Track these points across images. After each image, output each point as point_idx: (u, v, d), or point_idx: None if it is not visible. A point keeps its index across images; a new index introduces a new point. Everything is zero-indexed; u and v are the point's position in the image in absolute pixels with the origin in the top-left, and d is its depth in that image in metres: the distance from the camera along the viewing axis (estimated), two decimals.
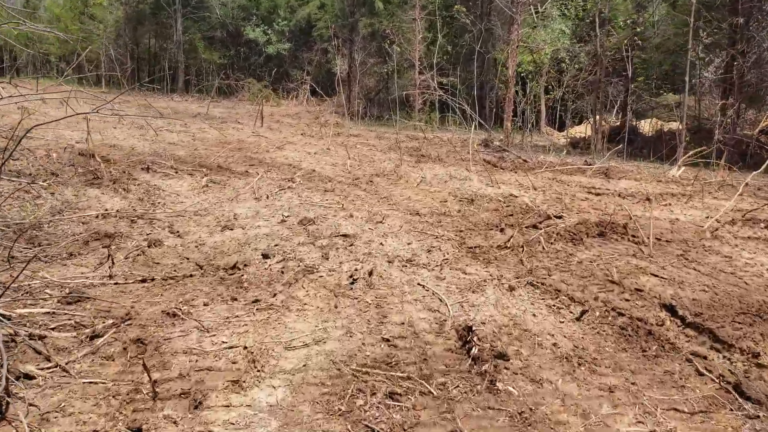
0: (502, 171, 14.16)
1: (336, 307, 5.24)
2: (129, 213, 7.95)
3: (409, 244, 7.44)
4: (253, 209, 8.67)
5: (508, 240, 7.75)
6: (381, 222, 8.44)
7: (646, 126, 21.79)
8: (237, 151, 14.37)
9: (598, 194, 11.58)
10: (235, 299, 5.31)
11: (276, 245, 6.97)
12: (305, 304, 5.28)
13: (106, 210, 8.06)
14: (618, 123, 20.39)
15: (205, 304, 5.18)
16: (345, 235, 7.50)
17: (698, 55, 16.33)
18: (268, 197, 9.46)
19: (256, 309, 5.11)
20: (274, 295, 5.43)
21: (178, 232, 7.32)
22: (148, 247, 6.65)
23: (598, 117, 18.23)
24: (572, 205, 10.42)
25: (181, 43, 34.57)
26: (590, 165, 15.39)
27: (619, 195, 11.46)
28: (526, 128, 18.99)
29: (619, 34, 16.95)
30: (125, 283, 5.60)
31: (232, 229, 7.58)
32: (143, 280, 5.68)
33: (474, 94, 24.32)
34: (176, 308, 4.99)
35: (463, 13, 23.92)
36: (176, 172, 10.74)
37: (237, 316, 4.97)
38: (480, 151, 17.92)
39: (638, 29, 16.54)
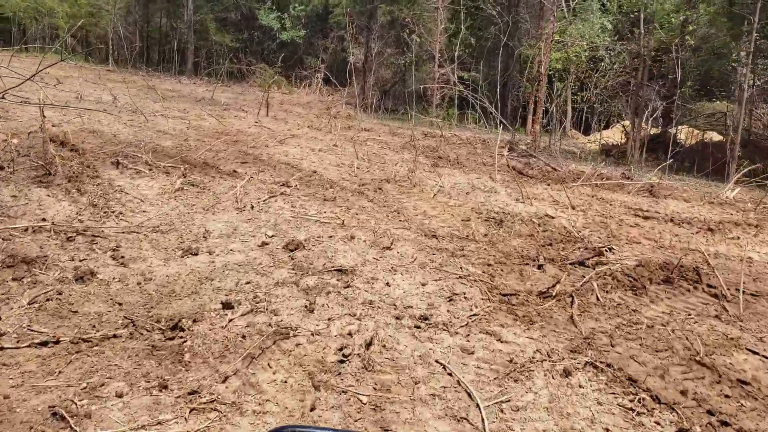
0: (530, 181, 12.30)
1: (312, 408, 3.45)
2: (68, 227, 6.16)
3: (423, 285, 5.63)
4: (231, 224, 6.87)
5: (553, 286, 5.91)
6: (389, 248, 6.63)
7: (682, 135, 19.81)
8: (232, 143, 12.57)
9: (646, 217, 9.70)
10: (165, 386, 3.52)
11: (247, 283, 5.17)
12: (267, 400, 3.48)
13: (43, 220, 6.28)
14: (656, 130, 18.42)
15: (118, 395, 3.39)
16: (341, 270, 5.69)
17: (751, 59, 14.37)
18: (253, 207, 7.65)
19: (191, 409, 3.32)
20: (225, 379, 3.64)
21: (123, 257, 5.53)
22: (75, 281, 4.87)
23: (636, 123, 16.30)
24: (620, 233, 8.56)
25: (192, 22, 32.71)
26: (629, 178, 13.50)
27: (672, 220, 9.58)
28: (554, 131, 17.09)
29: (666, 32, 15.01)
30: (15, 348, 3.83)
31: (196, 254, 5.79)
32: (43, 343, 3.90)
33: (497, 91, 22.40)
34: (71, 403, 3.21)
35: (490, 4, 21.97)
36: (150, 170, 8.95)
37: (159, 423, 3.18)
38: (503, 155, 16.04)
39: (691, 27, 14.59)
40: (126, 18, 34.51)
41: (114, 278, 5.07)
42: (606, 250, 7.59)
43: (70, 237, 5.87)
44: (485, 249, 7.12)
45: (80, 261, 5.35)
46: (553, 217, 8.92)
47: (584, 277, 6.47)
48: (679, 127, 17.45)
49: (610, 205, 10.30)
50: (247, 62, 32.59)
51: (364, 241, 6.79)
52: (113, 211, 6.89)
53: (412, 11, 23.70)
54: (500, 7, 22.75)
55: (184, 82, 29.92)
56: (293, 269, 5.63)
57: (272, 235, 6.56)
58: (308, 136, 15.14)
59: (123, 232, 6.21)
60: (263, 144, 12.70)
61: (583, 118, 26.65)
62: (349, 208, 8.30)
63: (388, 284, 5.53)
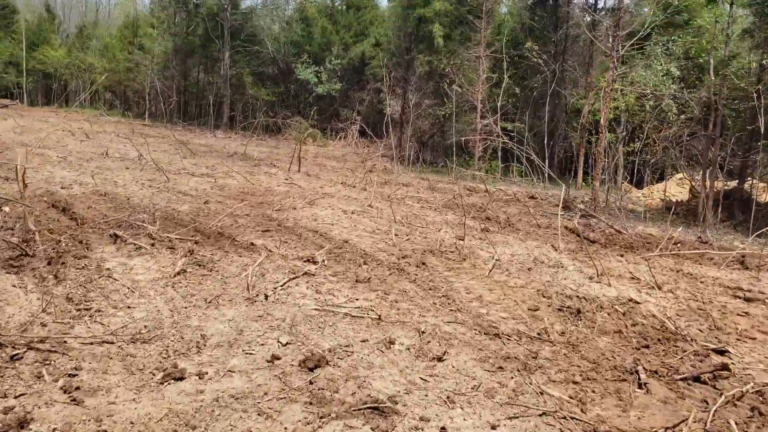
0: (594, 246, 10.52)
1: None
2: (19, 336, 4.65)
3: (494, 429, 3.94)
4: (236, 324, 5.29)
5: (676, 426, 4.15)
6: (440, 358, 4.96)
7: (761, 191, 17.78)
8: (256, 206, 11.14)
9: (749, 299, 7.83)
10: None
11: None
12: None
13: None
14: (728, 186, 16.46)
15: None
16: (377, 407, 4.04)
17: None
18: (267, 297, 6.08)
19: None
20: None
21: (79, 388, 3.98)
22: None
23: (706, 177, 14.44)
24: (725, 323, 6.73)
25: (228, 77, 32.12)
26: (706, 243, 11.61)
27: None
28: (613, 187, 15.32)
29: (741, 79, 13.30)
30: None
31: (180, 379, 4.20)
32: None
33: (545, 142, 20.79)
34: None
35: (535, 52, 20.56)
36: (152, 245, 7.50)
37: None
38: (556, 213, 14.31)
39: None
40: (163, 72, 34.17)
41: (55, 429, 3.50)
42: (719, 352, 5.79)
43: (17, 354, 4.35)
44: (565, 355, 5.39)
45: (15, 398, 3.81)
46: (638, 303, 7.13)
47: (706, 402, 4.70)
48: (757, 182, 15.52)
49: (701, 282, 8.45)
50: (282, 116, 31.75)
51: (407, 348, 5.13)
52: (90, 308, 5.37)
53: (451, 61, 22.45)
54: (546, 55, 21.33)
55: (219, 137, 29.09)
56: (311, 404, 4.00)
57: (287, 343, 4.96)
58: (341, 194, 13.67)
59: (92, 343, 4.67)
60: (290, 206, 11.24)
61: (635, 170, 24.77)
62: (387, 292, 6.67)
63: (444, 430, 3.84)
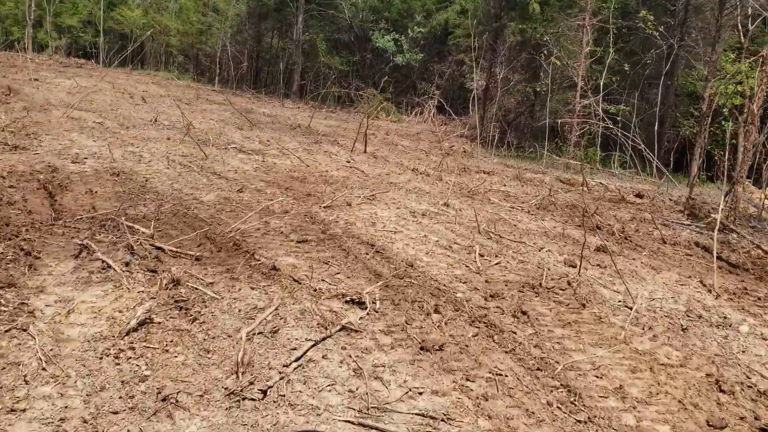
0: (742, 276, 7.47)
1: None
2: None
3: None
4: None
5: None
6: None
7: None
8: (302, 199, 8.62)
9: None
10: None
11: None
12: None
13: None
14: None
15: None
16: None
17: None
18: (266, 393, 3.53)
19: None
20: None
21: None
22: None
23: None
24: None
25: (300, 42, 29.69)
26: None
27: None
28: (736, 187, 11.97)
29: None
30: None
31: None
32: None
33: (655, 130, 17.37)
34: None
35: (650, 24, 17.05)
36: (127, 264, 5.08)
37: None
38: (680, 222, 11.16)
39: None
40: (236, 36, 32.13)
41: None
42: None
43: None
44: None
45: None
46: None
47: None
48: None
49: None
50: (355, 86, 29.17)
51: None
52: None
53: (548, 30, 19.15)
54: (664, 27, 17.71)
55: (287, 107, 26.83)
56: None
57: None
58: (411, 185, 10.97)
59: None
60: (344, 201, 8.64)
61: (754, 165, 20.86)
62: (470, 376, 4.01)
63: None
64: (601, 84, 18.28)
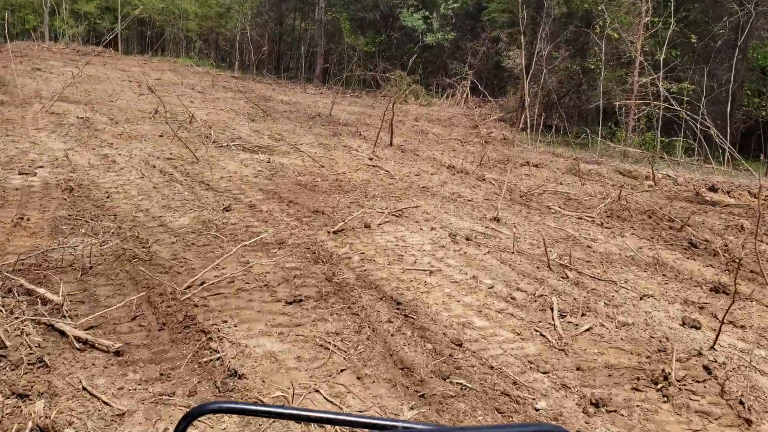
0: None
1: None
2: None
3: None
4: None
5: None
6: None
7: None
8: (307, 218, 6.44)
9: None
10: None
11: None
12: None
13: None
14: None
15: None
16: None
17: None
18: None
19: None
20: None
21: None
22: None
23: None
24: None
25: (323, 23, 27.37)
26: None
27: None
28: None
29: None
30: None
31: None
32: None
33: (727, 111, 14.75)
34: None
35: None
36: None
37: None
38: None
39: None
40: (255, 19, 29.95)
41: None
42: None
43: None
44: None
45: None
46: None
47: None
48: None
49: None
50: (382, 68, 26.83)
51: None
52: None
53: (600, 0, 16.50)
54: None
55: (309, 92, 24.64)
56: None
57: None
58: (446, 190, 8.70)
59: None
60: (362, 221, 6.44)
61: None
62: None
63: None
64: (661, 59, 15.65)
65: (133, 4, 33.69)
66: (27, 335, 3.29)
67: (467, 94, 25.41)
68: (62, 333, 3.47)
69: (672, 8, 15.53)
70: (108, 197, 6.51)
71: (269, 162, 9.40)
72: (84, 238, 5.14)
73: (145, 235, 5.39)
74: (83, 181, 6.96)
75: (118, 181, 7.20)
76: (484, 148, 13.28)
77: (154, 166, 8.09)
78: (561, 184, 10.72)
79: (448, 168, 10.60)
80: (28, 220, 5.53)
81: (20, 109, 11.28)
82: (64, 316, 3.66)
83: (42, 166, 7.40)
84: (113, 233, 5.30)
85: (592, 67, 15.97)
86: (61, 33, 31.60)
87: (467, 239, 6.25)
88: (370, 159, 10.65)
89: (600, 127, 15.83)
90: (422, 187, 8.69)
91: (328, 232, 5.99)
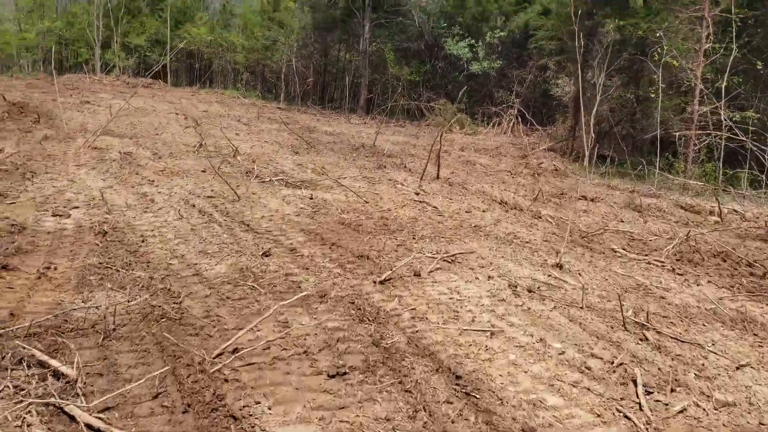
0: None
1: None
2: None
3: None
4: None
5: None
6: None
7: None
8: (348, 267, 5.91)
9: None
10: None
11: None
12: None
13: None
14: None
15: None
16: None
17: None
18: None
19: None
20: None
21: None
22: None
23: None
24: None
25: (367, 53, 27.21)
26: None
27: None
28: None
29: None
30: None
31: None
32: None
33: None
34: None
35: None
36: None
37: None
38: None
39: None
40: (301, 51, 30.05)
41: None
42: None
43: None
44: None
45: None
46: None
47: None
48: None
49: None
50: (426, 98, 26.44)
51: None
52: None
53: (654, 26, 15.77)
54: None
55: (353, 122, 24.38)
56: None
57: None
58: (501, 230, 8.07)
59: None
60: (410, 269, 5.88)
61: None
62: None
63: None
64: (723, 87, 14.77)
65: (182, 36, 34.34)
66: (28, 426, 2.81)
67: (514, 123, 24.79)
68: (72, 418, 2.99)
69: (734, 34, 14.68)
70: (143, 241, 6.12)
71: (312, 198, 8.95)
72: (111, 293, 4.71)
73: (177, 287, 4.94)
74: (118, 224, 6.61)
75: (155, 222, 6.82)
76: (537, 181, 12.61)
77: (194, 206, 7.73)
78: (622, 221, 9.96)
79: (500, 203, 9.97)
80: (55, 269, 5.15)
81: (64, 143, 11.18)
82: (78, 395, 3.18)
83: (77, 207, 7.09)
84: (143, 286, 4.86)
85: (652, 95, 15.14)
86: (113, 65, 32.33)
87: (529, 291, 5.61)
88: (417, 194, 10.11)
89: (657, 158, 14.98)
90: (474, 226, 8.09)
91: (374, 281, 5.44)
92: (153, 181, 8.96)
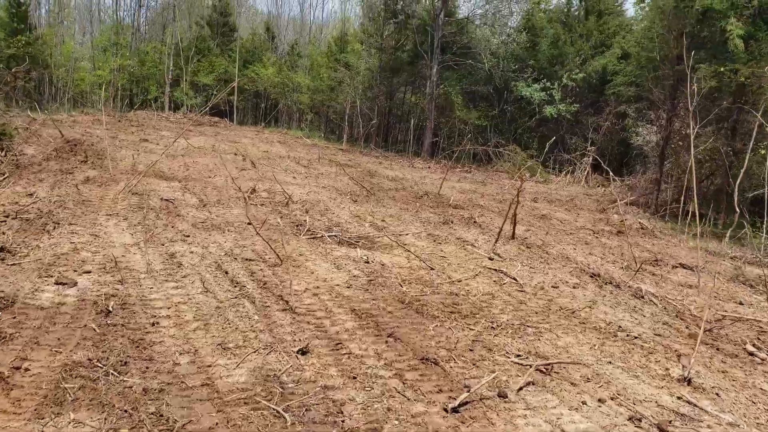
0: None
1: None
2: None
3: None
4: None
5: None
6: None
7: None
8: (407, 376, 4.40)
9: None
10: None
11: None
12: None
13: None
14: None
15: None
16: None
17: None
18: None
19: None
20: None
21: None
22: None
23: None
24: None
25: (434, 96, 25.98)
26: None
27: None
28: None
29: None
30: None
31: None
32: None
33: None
34: None
35: None
36: None
37: None
38: None
39: None
40: (366, 93, 29.17)
41: None
42: None
43: None
44: None
45: None
46: None
47: None
48: None
49: None
50: (494, 143, 24.89)
51: None
52: None
53: (761, 70, 13.84)
54: None
55: (417, 167, 23.06)
56: None
57: None
58: (598, 317, 6.37)
59: None
60: (492, 385, 4.32)
61: None
62: None
63: None
64: None
65: (250, 76, 34.19)
66: None
67: (588, 172, 22.90)
68: None
69: None
70: (153, 325, 4.81)
71: (368, 262, 7.53)
72: (81, 417, 3.36)
73: (174, 410, 3.55)
74: (129, 297, 5.34)
75: (174, 297, 5.52)
76: (628, 245, 10.80)
77: (227, 272, 6.41)
78: (741, 303, 8.08)
79: (591, 277, 8.25)
80: (26, 370, 3.87)
81: (104, 187, 10.22)
82: None
83: (89, 271, 5.88)
84: (128, 409, 3.49)
85: (762, 151, 13.14)
86: (181, 103, 32.35)
87: (660, 430, 3.94)
88: (491, 258, 8.54)
89: (766, 220, 12.89)
90: (565, 310, 6.44)
91: (445, 408, 3.91)
92: (188, 236, 7.75)
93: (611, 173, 20.82)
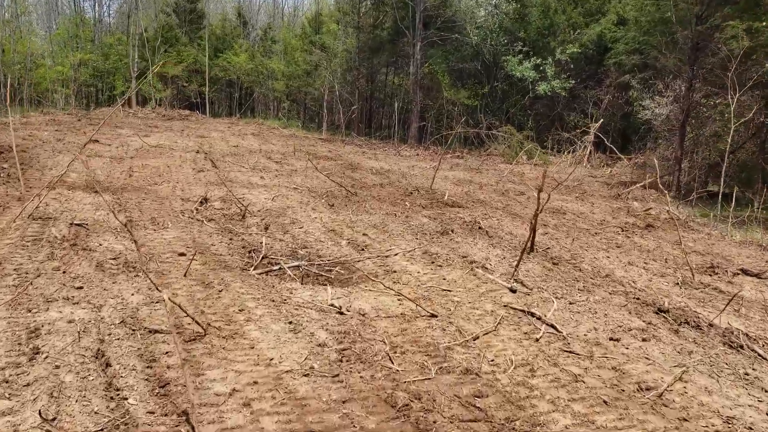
0: None
1: None
2: None
3: None
4: None
5: None
6: None
7: None
8: None
9: None
10: None
11: None
12: None
13: None
14: None
15: None
16: None
17: None
18: None
19: None
20: None
21: None
22: None
23: None
24: None
25: (418, 76, 23.35)
26: None
27: None
28: None
29: None
30: None
31: None
32: None
33: None
34: None
35: None
36: None
37: None
38: None
39: None
40: (345, 75, 26.46)
41: None
42: None
43: None
44: None
45: None
46: None
47: None
48: None
49: None
50: (486, 124, 22.33)
51: None
52: None
53: None
54: None
55: (404, 154, 20.50)
56: None
57: None
58: (702, 404, 3.93)
59: None
60: None
61: None
62: None
63: None
64: None
65: (221, 66, 31.35)
66: None
67: (591, 151, 20.45)
68: None
69: None
70: None
71: (341, 313, 5.03)
72: None
73: None
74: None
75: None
76: (684, 253, 8.35)
77: (108, 365, 3.86)
78: None
79: (657, 314, 5.76)
80: None
81: (1, 209, 7.60)
82: None
83: None
84: None
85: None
86: (149, 97, 29.51)
87: None
88: (513, 290, 6.03)
89: None
90: (648, 392, 3.97)
91: None
92: (81, 288, 5.20)
93: (616, 151, 18.30)
